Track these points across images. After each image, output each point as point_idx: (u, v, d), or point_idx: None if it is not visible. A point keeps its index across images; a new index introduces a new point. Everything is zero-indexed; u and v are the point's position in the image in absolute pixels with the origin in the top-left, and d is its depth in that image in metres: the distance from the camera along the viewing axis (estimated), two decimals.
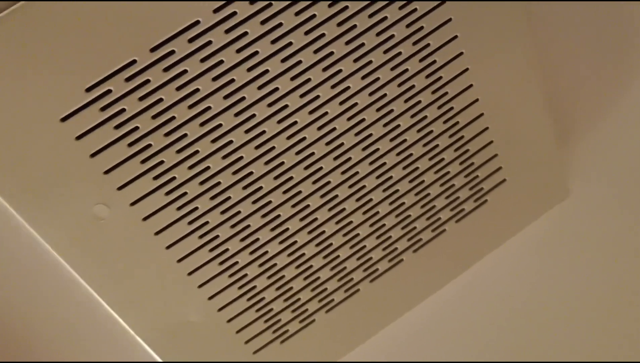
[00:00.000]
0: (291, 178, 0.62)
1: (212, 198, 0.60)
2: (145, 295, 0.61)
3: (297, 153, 0.61)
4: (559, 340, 0.82)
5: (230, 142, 0.58)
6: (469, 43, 0.63)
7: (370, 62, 0.60)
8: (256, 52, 0.56)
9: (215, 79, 0.55)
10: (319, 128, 0.61)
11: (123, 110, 0.54)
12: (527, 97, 0.68)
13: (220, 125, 0.57)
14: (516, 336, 0.81)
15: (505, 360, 0.80)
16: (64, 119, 0.52)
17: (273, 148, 0.60)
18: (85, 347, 0.65)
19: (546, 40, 0.70)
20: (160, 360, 0.65)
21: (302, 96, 0.59)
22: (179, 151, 0.57)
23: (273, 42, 0.56)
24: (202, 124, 0.56)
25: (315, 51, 0.57)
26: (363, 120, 0.62)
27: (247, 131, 0.58)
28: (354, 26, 0.58)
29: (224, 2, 0.53)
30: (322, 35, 0.57)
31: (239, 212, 0.61)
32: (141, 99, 0.54)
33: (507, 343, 0.80)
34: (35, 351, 0.64)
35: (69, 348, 0.65)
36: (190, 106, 0.55)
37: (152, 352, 0.65)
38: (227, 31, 0.54)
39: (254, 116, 0.58)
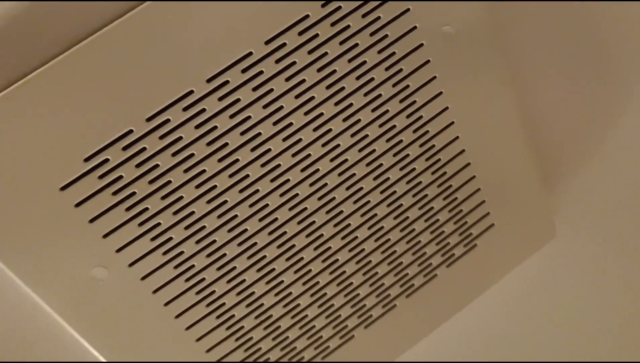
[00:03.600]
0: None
1: (208, 255, 0.61)
2: (145, 352, 0.63)
3: (291, 208, 0.63)
4: None
5: (225, 202, 0.60)
6: (454, 99, 0.65)
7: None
8: (249, 117, 0.57)
9: (209, 143, 0.57)
10: (311, 184, 0.63)
11: (120, 177, 0.55)
12: (511, 143, 0.70)
13: (215, 186, 0.59)
14: None
15: None
16: (63, 188, 0.54)
17: (267, 205, 0.61)
18: None
19: (529, 82, 0.72)
20: None
21: (294, 155, 0.61)
22: (175, 213, 0.58)
23: (265, 106, 0.57)
24: (197, 187, 0.58)
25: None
26: (353, 175, 0.64)
27: (240, 191, 0.60)
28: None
29: (216, 73, 0.54)
30: (312, 98, 0.59)
31: (234, 267, 0.63)
32: (138, 166, 0.55)
33: None
34: None
35: None
36: (186, 170, 0.57)
37: None
38: (220, 99, 0.56)
39: (247, 176, 0.60)
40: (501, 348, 0.80)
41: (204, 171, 0.58)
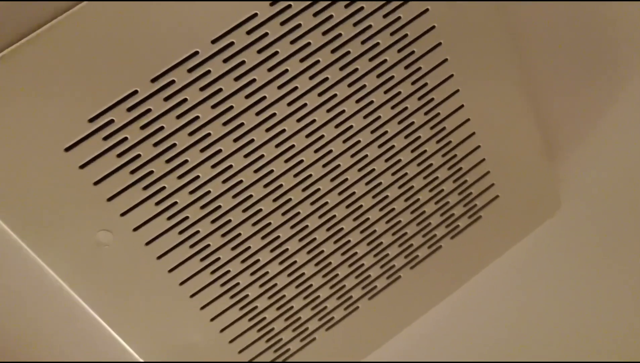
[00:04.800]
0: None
1: (213, 221, 0.61)
2: (149, 318, 0.63)
3: (295, 175, 0.62)
4: (550, 354, 0.83)
5: (230, 167, 0.60)
6: (458, 66, 0.65)
7: (364, 86, 0.61)
8: (254, 80, 0.57)
9: (214, 106, 0.57)
10: (316, 151, 0.62)
11: (125, 139, 0.55)
12: (516, 115, 0.70)
13: (220, 151, 0.59)
14: (510, 349, 0.82)
15: None
16: (67, 149, 0.54)
17: (272, 171, 0.61)
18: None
19: (533, 57, 0.71)
20: None
21: (299, 120, 0.60)
22: (180, 177, 0.58)
23: (270, 69, 0.57)
24: (202, 150, 0.58)
25: (311, 77, 0.59)
26: (358, 142, 0.64)
27: (245, 156, 0.60)
28: (348, 52, 0.60)
29: (222, 33, 0.54)
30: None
31: (239, 234, 0.63)
32: (143, 127, 0.55)
33: (501, 356, 0.82)
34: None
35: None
36: (191, 133, 0.57)
37: None
38: (225, 60, 0.56)
39: (252, 141, 0.59)
40: (504, 321, 0.80)
41: (208, 134, 0.58)
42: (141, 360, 0.64)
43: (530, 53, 0.71)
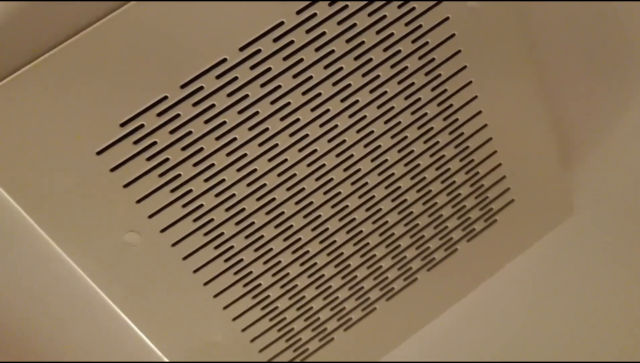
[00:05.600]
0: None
1: (237, 223, 0.63)
2: (173, 317, 0.64)
3: (317, 179, 0.64)
4: (561, 356, 0.84)
5: (254, 171, 0.61)
6: (477, 73, 0.66)
7: (385, 92, 0.63)
8: (279, 86, 0.59)
9: (240, 112, 0.58)
10: (337, 155, 0.64)
11: (155, 143, 0.57)
12: (532, 120, 0.71)
13: (245, 154, 0.60)
14: (521, 352, 0.84)
15: None
16: (99, 153, 0.55)
17: (295, 174, 0.63)
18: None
19: (549, 62, 0.73)
20: None
21: (321, 125, 0.62)
22: (206, 180, 0.60)
23: (295, 76, 0.59)
24: (228, 154, 0.59)
25: (335, 83, 0.61)
26: (379, 147, 0.65)
27: (270, 160, 0.61)
28: (370, 59, 0.61)
29: (249, 40, 0.56)
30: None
31: (262, 236, 0.64)
32: (172, 132, 0.57)
33: (512, 358, 0.83)
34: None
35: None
36: (218, 138, 0.58)
37: None
38: (252, 67, 0.57)
39: (276, 145, 0.61)
40: (517, 323, 0.82)
41: (234, 139, 0.59)
42: (166, 360, 0.65)
43: (546, 58, 0.72)
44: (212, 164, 0.59)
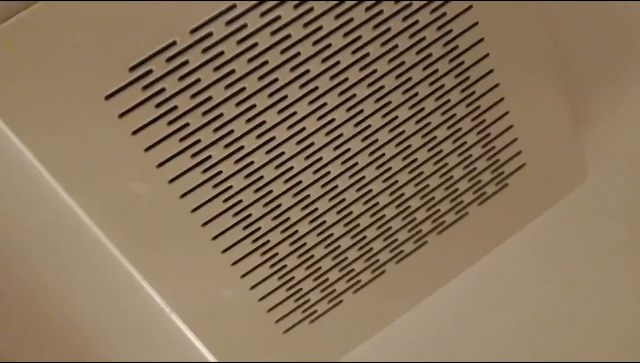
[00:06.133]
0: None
1: (247, 176, 0.62)
2: (180, 270, 0.64)
3: (327, 133, 0.64)
4: (573, 326, 0.83)
5: (264, 122, 0.61)
6: (489, 30, 0.66)
7: (396, 46, 0.63)
8: (289, 35, 0.58)
9: (250, 60, 0.58)
10: (348, 110, 0.63)
11: (163, 89, 0.56)
12: (545, 81, 0.71)
13: (254, 105, 0.60)
14: (533, 321, 0.83)
15: (523, 338, 0.82)
16: (108, 97, 0.55)
17: (304, 128, 0.62)
18: (117, 320, 0.67)
19: (563, 26, 0.72)
20: (192, 337, 0.68)
21: (332, 77, 0.61)
22: (215, 130, 0.59)
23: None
24: (237, 104, 0.59)
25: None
26: (389, 103, 0.65)
27: (279, 112, 0.61)
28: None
29: None
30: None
31: (271, 191, 0.64)
32: (181, 79, 0.57)
33: (524, 327, 0.82)
34: (69, 325, 0.67)
35: (105, 323, 0.67)
36: (227, 87, 0.58)
37: (183, 327, 0.67)
38: (262, 15, 0.57)
39: (286, 97, 0.61)
40: (528, 292, 0.81)
41: (243, 88, 0.59)
42: (165, 308, 0.65)
43: (561, 23, 0.72)
44: (221, 114, 0.59)
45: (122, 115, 0.56)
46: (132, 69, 0.55)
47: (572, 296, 0.82)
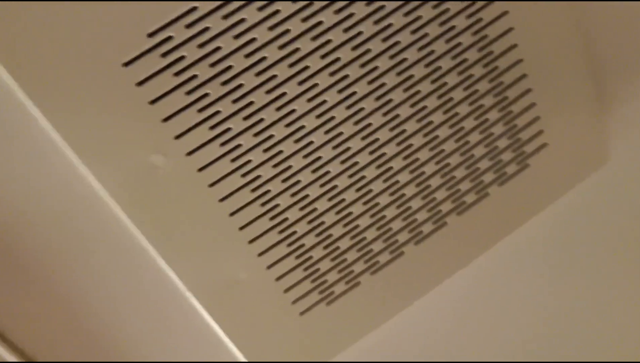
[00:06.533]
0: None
1: (265, 150, 0.61)
2: (196, 246, 0.62)
3: (348, 107, 0.62)
4: (590, 308, 0.82)
5: (284, 94, 0.59)
6: (512, 11, 0.64)
7: (420, 17, 0.61)
8: (312, 2, 0.57)
9: (271, 28, 0.57)
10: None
11: (183, 57, 0.55)
12: (569, 60, 0.69)
13: (275, 76, 0.58)
14: (551, 303, 0.81)
15: (544, 324, 0.80)
16: (126, 64, 0.54)
17: (325, 101, 0.61)
18: (131, 298, 0.66)
19: (590, 7, 0.71)
20: (207, 315, 0.66)
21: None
22: (234, 101, 0.58)
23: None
24: (257, 74, 0.58)
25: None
26: (411, 76, 0.63)
27: (300, 83, 0.59)
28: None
29: None
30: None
31: (290, 166, 0.62)
32: (200, 46, 0.55)
33: (545, 308, 0.81)
34: (83, 301, 0.65)
35: (121, 300, 0.65)
36: (247, 55, 0.57)
37: (197, 304, 0.65)
38: None
39: (307, 67, 0.59)
40: (547, 275, 0.79)
41: (264, 58, 0.57)
42: (180, 283, 0.63)
43: (584, 4, 0.70)
44: (241, 85, 0.58)
45: (140, 83, 0.55)
46: (151, 35, 0.53)
47: (590, 282, 0.80)
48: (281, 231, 0.65)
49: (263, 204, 0.63)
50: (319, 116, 0.61)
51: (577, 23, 0.69)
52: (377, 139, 0.65)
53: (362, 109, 0.63)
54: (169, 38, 0.54)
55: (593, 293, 0.80)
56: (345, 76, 0.61)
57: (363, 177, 0.66)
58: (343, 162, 0.64)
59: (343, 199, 0.66)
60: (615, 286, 0.80)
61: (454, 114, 0.66)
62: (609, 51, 0.74)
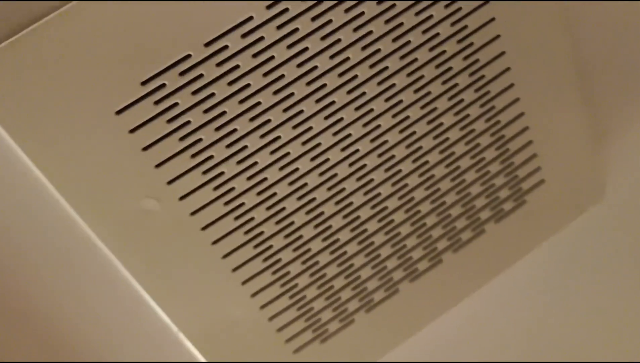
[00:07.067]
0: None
1: (259, 193, 0.60)
2: (189, 289, 0.62)
3: (343, 149, 0.62)
4: (591, 340, 0.82)
5: (278, 138, 0.59)
6: (509, 44, 0.64)
7: (415, 59, 0.61)
8: (306, 49, 0.56)
9: (265, 74, 0.56)
10: (365, 125, 0.61)
11: (176, 104, 0.54)
12: (565, 98, 0.69)
13: (269, 120, 0.58)
14: (547, 336, 0.81)
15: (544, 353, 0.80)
16: (119, 112, 0.53)
17: (319, 144, 0.60)
18: (125, 341, 0.65)
19: (583, 40, 0.70)
20: (200, 358, 0.66)
21: (349, 92, 0.59)
22: (228, 146, 0.57)
23: (323, 38, 0.56)
24: (251, 120, 0.57)
25: (363, 48, 0.58)
26: (407, 118, 0.63)
27: (294, 127, 0.59)
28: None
29: None
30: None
31: (283, 208, 0.62)
32: (194, 93, 0.54)
33: (540, 342, 0.80)
34: (74, 345, 0.65)
35: (109, 343, 0.65)
36: (241, 101, 0.56)
37: (192, 348, 0.65)
38: (279, 27, 0.55)
39: (302, 111, 0.58)
40: (542, 311, 0.79)
41: (259, 103, 0.57)
42: (174, 327, 0.62)
43: (581, 35, 0.70)
44: (235, 130, 0.57)
45: (133, 130, 0.54)
46: (145, 83, 0.53)
47: (585, 317, 0.80)
48: (274, 272, 0.64)
49: (256, 246, 0.62)
50: (313, 159, 0.61)
51: (574, 60, 0.68)
52: (372, 180, 0.64)
53: (357, 151, 0.62)
54: (162, 86, 0.53)
55: (588, 331, 0.80)
56: (333, 103, 0.60)
57: (357, 217, 0.65)
58: (337, 203, 0.64)
59: (337, 239, 0.65)
60: (611, 323, 0.80)
61: (450, 153, 0.66)
62: (605, 84, 0.73)
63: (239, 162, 0.58)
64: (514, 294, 0.77)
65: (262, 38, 0.54)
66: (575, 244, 0.77)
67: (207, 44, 0.53)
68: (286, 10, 0.54)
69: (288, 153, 0.60)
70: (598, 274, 0.78)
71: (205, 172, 0.58)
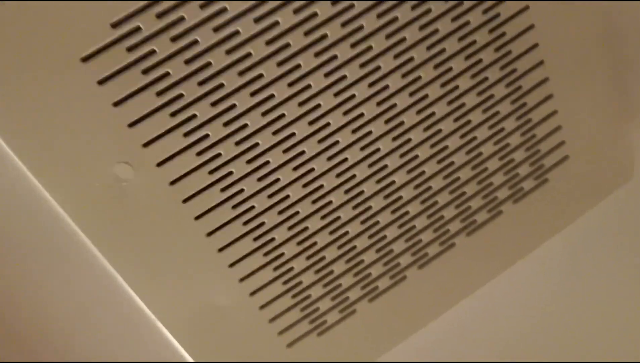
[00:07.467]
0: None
1: (249, 161, 0.53)
2: (168, 271, 0.54)
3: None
4: (615, 326, 0.75)
5: (272, 96, 0.51)
6: (539, 15, 0.57)
7: (437, 30, 0.53)
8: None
9: (257, 20, 0.49)
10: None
11: (153, 51, 0.47)
12: (595, 64, 0.61)
13: (261, 75, 0.50)
14: (572, 322, 0.74)
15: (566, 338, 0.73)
16: (85, 59, 0.46)
17: (319, 105, 0.53)
18: (98, 327, 0.58)
19: (614, 11, 0.64)
20: (182, 350, 0.58)
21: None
22: (213, 104, 0.50)
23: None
24: (240, 73, 0.50)
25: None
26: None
27: (290, 85, 0.52)
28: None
29: None
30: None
31: (278, 180, 0.54)
32: (173, 40, 0.47)
33: (564, 328, 0.74)
34: (43, 330, 0.57)
35: (80, 328, 0.58)
36: (228, 51, 0.49)
37: (171, 338, 0.57)
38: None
39: (299, 66, 0.51)
40: (565, 297, 0.72)
41: (249, 54, 0.49)
42: (152, 315, 0.55)
43: (612, 7, 0.63)
44: (222, 84, 0.50)
45: (102, 81, 0.46)
46: (116, 25, 0.45)
47: (612, 303, 0.73)
48: (267, 254, 0.57)
49: (246, 222, 0.55)
50: (311, 123, 0.53)
51: (604, 28, 0.61)
52: (378, 150, 0.57)
53: (363, 119, 0.55)
54: (137, 29, 0.46)
55: (615, 316, 0.73)
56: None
57: (361, 192, 0.58)
58: (339, 175, 0.56)
59: (338, 217, 0.58)
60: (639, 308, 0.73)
61: (465, 122, 0.59)
62: (635, 61, 0.67)
63: (226, 123, 0.51)
64: (533, 284, 0.70)
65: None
66: (601, 228, 0.70)
67: None
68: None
69: (283, 115, 0.52)
70: (626, 259, 0.72)
71: (187, 134, 0.50)
